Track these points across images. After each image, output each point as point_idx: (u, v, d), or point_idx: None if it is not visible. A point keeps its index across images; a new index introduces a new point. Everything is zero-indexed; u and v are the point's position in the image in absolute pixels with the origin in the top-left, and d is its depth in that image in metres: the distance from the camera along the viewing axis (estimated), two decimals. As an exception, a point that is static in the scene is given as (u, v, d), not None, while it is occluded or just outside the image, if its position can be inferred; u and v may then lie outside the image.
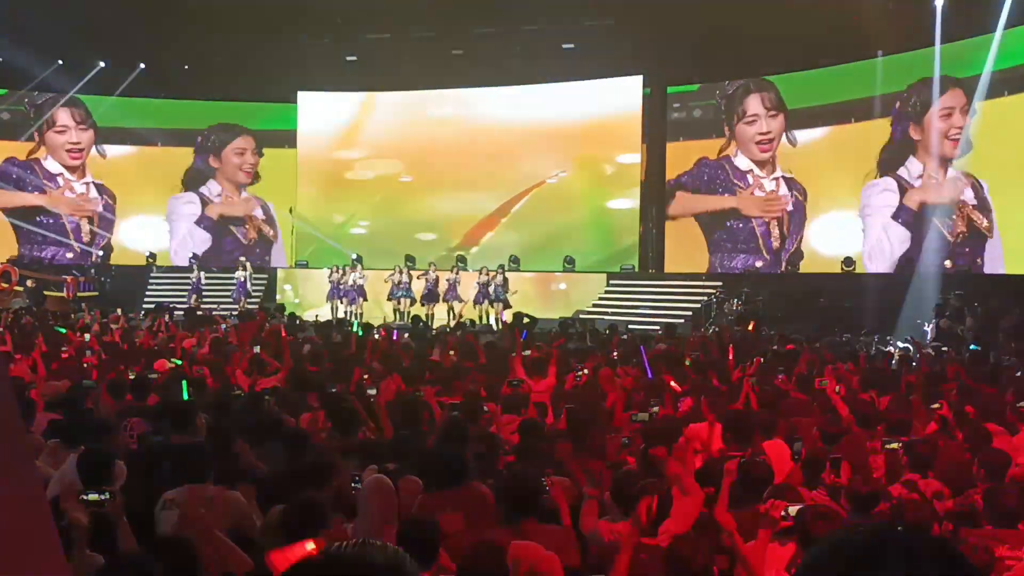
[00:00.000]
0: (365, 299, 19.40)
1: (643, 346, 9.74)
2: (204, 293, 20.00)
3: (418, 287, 19.10)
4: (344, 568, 1.15)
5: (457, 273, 19.13)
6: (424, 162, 22.03)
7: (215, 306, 18.59)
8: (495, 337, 13.48)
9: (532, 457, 5.03)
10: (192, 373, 8.07)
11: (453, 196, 21.74)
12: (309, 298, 20.43)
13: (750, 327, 12.70)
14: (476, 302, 18.82)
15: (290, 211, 21.52)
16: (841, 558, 1.01)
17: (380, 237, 21.92)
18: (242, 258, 20.70)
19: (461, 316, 18.20)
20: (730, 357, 9.39)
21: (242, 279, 20.01)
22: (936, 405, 6.61)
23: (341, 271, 19.59)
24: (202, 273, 20.25)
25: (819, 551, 1.07)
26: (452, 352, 10.21)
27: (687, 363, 9.23)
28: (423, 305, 18.96)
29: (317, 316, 17.79)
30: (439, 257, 20.46)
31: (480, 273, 18.92)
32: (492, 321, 18.21)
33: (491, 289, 18.64)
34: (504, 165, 21.51)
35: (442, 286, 19.06)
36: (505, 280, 18.73)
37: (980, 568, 3.43)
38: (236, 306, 19.03)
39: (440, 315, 18.67)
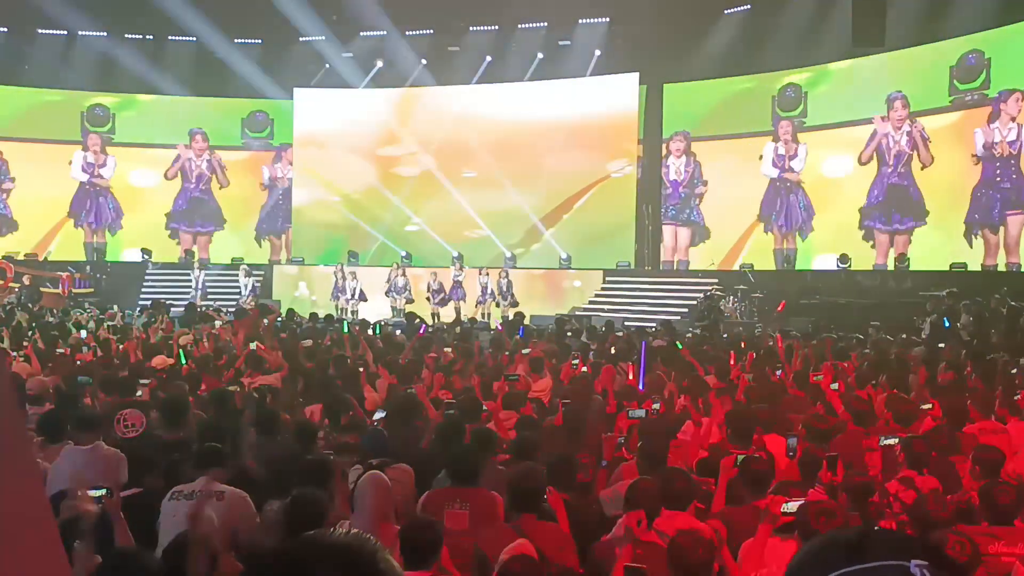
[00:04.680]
0: (364, 299, 19.28)
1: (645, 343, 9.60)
2: (207, 293, 19.92)
3: (421, 287, 18.88)
4: (300, 552, 1.11)
5: (461, 270, 18.99)
6: (450, 158, 21.66)
7: (211, 303, 18.51)
8: (493, 335, 13.44)
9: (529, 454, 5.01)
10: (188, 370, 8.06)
11: (500, 193, 21.09)
12: (325, 297, 20.03)
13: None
14: (479, 302, 18.71)
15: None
16: (826, 555, 1.05)
17: (429, 236, 21.31)
18: (244, 264, 20.53)
19: (459, 313, 18.09)
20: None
21: (247, 283, 19.83)
22: (928, 405, 6.56)
23: (341, 269, 19.51)
24: (203, 272, 20.18)
25: (806, 552, 1.11)
26: (449, 349, 10.20)
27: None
28: (431, 303, 18.63)
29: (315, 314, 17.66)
30: (494, 256, 20.14)
31: (480, 273, 18.82)
32: (500, 318, 17.89)
33: (492, 288, 18.52)
34: (542, 162, 21.01)
35: (448, 285, 18.83)
36: (508, 277, 18.61)
37: (965, 563, 3.44)
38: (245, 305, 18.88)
39: (447, 315, 18.16)
